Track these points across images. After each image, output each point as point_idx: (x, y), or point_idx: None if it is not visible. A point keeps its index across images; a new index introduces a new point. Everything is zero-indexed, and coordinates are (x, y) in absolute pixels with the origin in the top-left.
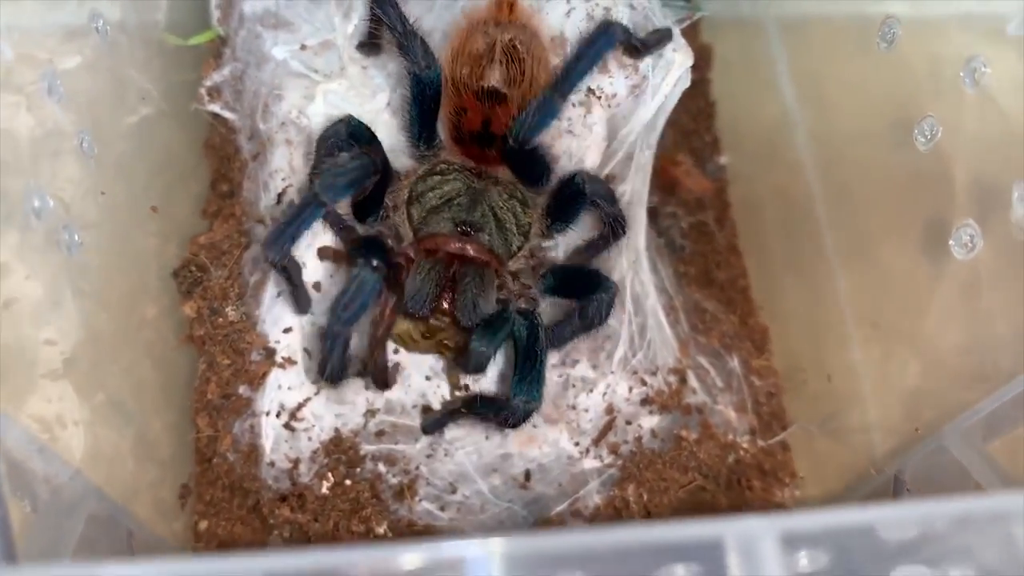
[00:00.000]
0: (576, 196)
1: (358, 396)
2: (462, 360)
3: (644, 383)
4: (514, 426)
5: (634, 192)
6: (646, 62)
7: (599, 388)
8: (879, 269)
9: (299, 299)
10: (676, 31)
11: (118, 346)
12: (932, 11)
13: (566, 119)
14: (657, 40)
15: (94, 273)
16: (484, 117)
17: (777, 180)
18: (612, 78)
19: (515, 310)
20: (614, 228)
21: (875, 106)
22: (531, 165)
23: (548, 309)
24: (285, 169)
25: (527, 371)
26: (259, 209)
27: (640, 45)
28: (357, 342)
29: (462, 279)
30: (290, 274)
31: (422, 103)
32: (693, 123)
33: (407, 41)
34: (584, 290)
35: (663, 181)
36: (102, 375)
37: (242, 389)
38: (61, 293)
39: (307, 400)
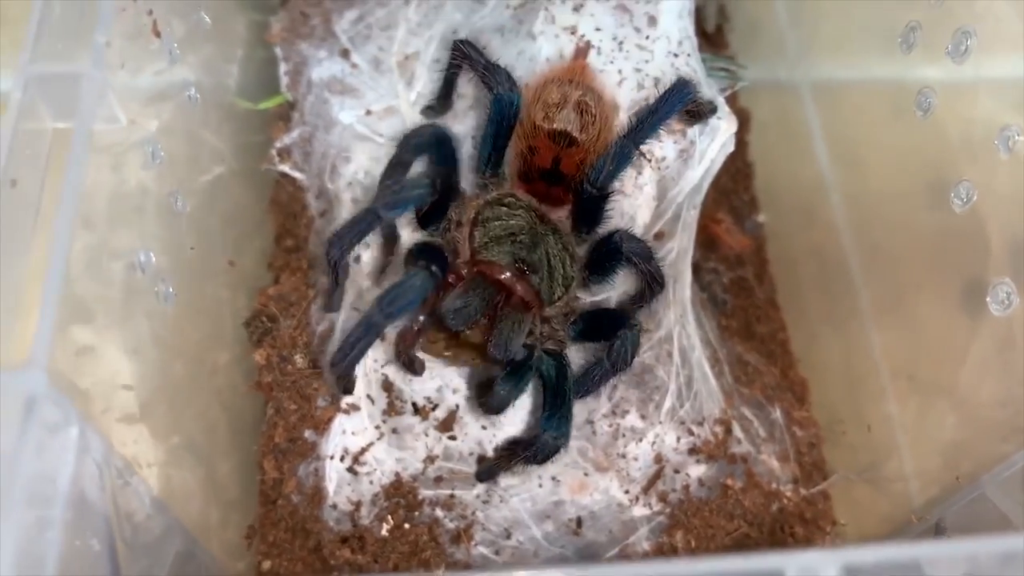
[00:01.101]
0: (613, 253)
1: (417, 442)
2: (483, 400)
3: (691, 433)
4: (542, 462)
5: (681, 249)
6: (694, 128)
7: (648, 438)
8: (914, 324)
9: (333, 298)
10: (720, 99)
11: (192, 391)
12: (965, 77)
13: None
14: (709, 110)
15: (172, 322)
16: (555, 156)
17: (813, 238)
18: (662, 143)
19: (542, 351)
20: (650, 284)
21: (910, 169)
22: (597, 210)
23: (581, 354)
24: None
25: (556, 408)
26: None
27: (697, 110)
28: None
29: (503, 312)
30: (338, 274)
31: (499, 124)
32: (732, 183)
33: (491, 72)
34: (610, 331)
35: (705, 238)
36: (177, 419)
37: (307, 434)
38: (141, 341)
39: (370, 445)
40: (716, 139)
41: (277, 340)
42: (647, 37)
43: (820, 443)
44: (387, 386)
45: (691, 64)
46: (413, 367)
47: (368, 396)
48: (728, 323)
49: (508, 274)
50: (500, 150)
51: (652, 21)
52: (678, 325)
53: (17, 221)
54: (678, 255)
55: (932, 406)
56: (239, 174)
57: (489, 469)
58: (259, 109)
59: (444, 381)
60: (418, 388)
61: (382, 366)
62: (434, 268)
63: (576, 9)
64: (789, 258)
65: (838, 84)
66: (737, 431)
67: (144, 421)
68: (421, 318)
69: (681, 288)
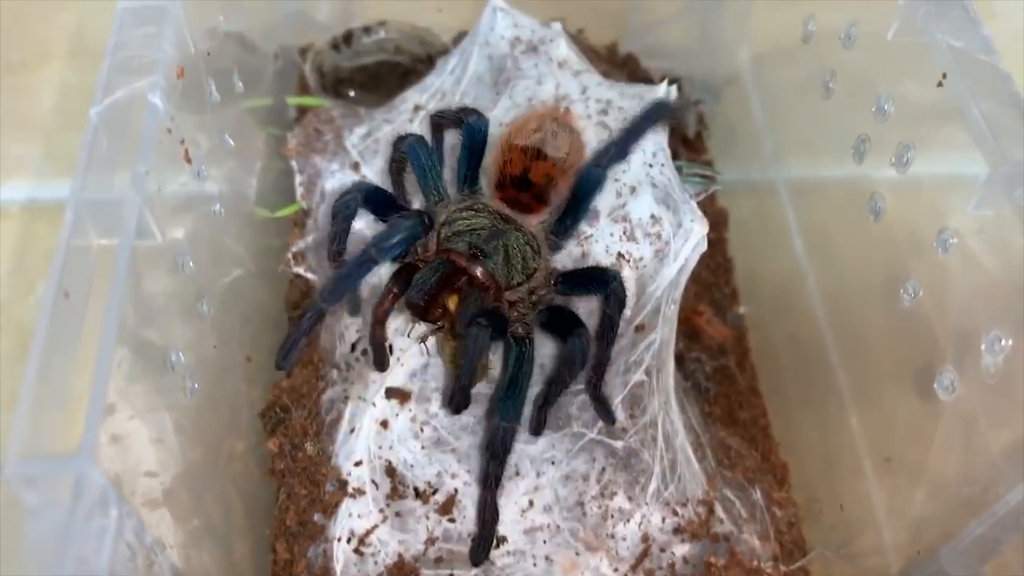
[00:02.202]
0: (599, 284)
1: (419, 524)
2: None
3: (676, 514)
4: (503, 453)
5: (663, 340)
6: (667, 230)
7: (635, 518)
8: (886, 408)
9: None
10: (693, 203)
11: (210, 477)
12: (908, 184)
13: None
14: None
15: (194, 413)
16: (525, 165)
17: (791, 328)
18: (639, 244)
19: (510, 335)
20: (605, 332)
21: (869, 265)
22: (587, 197)
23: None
24: (359, 322)
25: (508, 393)
26: (335, 357)
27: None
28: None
29: (466, 291)
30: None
31: (471, 148)
32: (713, 277)
33: (461, 113)
34: (565, 331)
35: (688, 329)
36: (196, 503)
37: (317, 517)
38: (165, 431)
39: (374, 527)
40: (689, 240)
41: (289, 429)
42: None
43: (799, 522)
44: (390, 471)
45: (664, 172)
46: (381, 356)
47: (372, 481)
48: (711, 409)
49: (463, 257)
50: (474, 169)
51: None
52: (662, 411)
53: (68, 326)
54: (660, 345)
55: (904, 484)
56: (257, 276)
57: (477, 547)
58: (276, 217)
59: (443, 467)
60: (419, 473)
61: (385, 452)
62: (426, 220)
63: None
64: (769, 347)
65: (810, 183)
66: (720, 512)
67: (166, 505)
68: (394, 290)
69: (664, 377)
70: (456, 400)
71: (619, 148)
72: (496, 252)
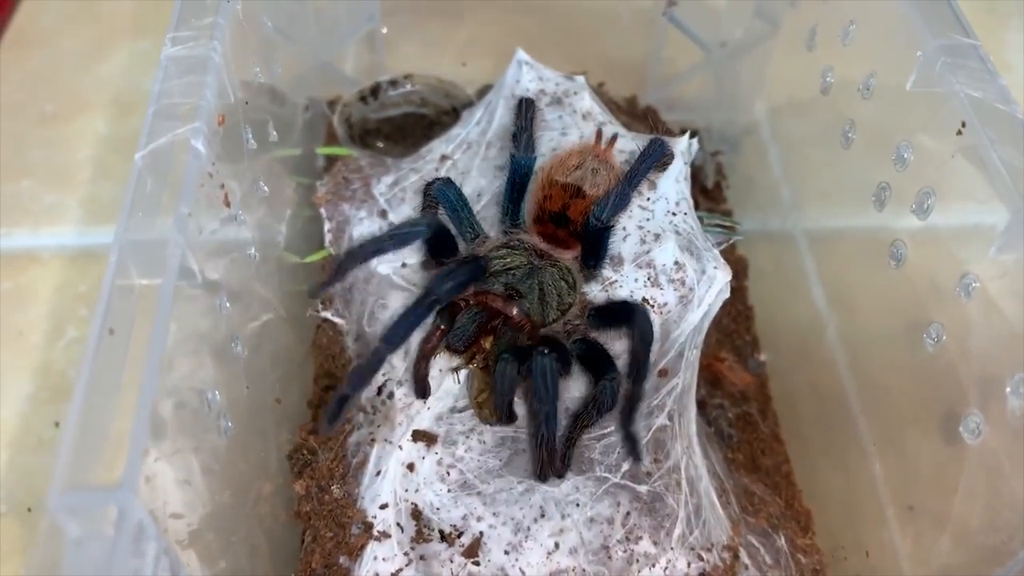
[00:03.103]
0: (624, 318)
1: (443, 568)
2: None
3: (701, 559)
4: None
5: (685, 385)
6: (691, 276)
7: (661, 563)
8: (909, 454)
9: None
10: (716, 251)
11: (237, 519)
12: (929, 231)
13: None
14: (670, 160)
15: (224, 454)
16: (564, 203)
17: (812, 375)
18: (663, 290)
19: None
20: (631, 368)
21: (891, 311)
22: (600, 244)
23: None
24: (385, 365)
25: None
26: (361, 400)
27: (665, 162)
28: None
29: (503, 330)
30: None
31: (514, 181)
32: (734, 324)
33: (522, 131)
34: (597, 370)
35: (710, 376)
36: (224, 545)
37: (342, 559)
38: (191, 472)
39: (399, 571)
40: (713, 286)
41: (316, 472)
42: (648, 199)
43: (824, 569)
44: (416, 515)
45: (688, 221)
46: (423, 388)
47: (398, 524)
48: (734, 455)
49: (498, 300)
50: (516, 203)
51: (652, 185)
52: (685, 456)
53: (112, 363)
54: (683, 390)
55: (928, 532)
56: (286, 320)
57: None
58: (305, 262)
59: (468, 510)
60: (445, 516)
61: (411, 495)
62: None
63: None
64: (790, 394)
65: (829, 232)
66: (745, 558)
67: (193, 547)
68: (442, 326)
69: (687, 422)
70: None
71: (619, 196)
72: (531, 291)
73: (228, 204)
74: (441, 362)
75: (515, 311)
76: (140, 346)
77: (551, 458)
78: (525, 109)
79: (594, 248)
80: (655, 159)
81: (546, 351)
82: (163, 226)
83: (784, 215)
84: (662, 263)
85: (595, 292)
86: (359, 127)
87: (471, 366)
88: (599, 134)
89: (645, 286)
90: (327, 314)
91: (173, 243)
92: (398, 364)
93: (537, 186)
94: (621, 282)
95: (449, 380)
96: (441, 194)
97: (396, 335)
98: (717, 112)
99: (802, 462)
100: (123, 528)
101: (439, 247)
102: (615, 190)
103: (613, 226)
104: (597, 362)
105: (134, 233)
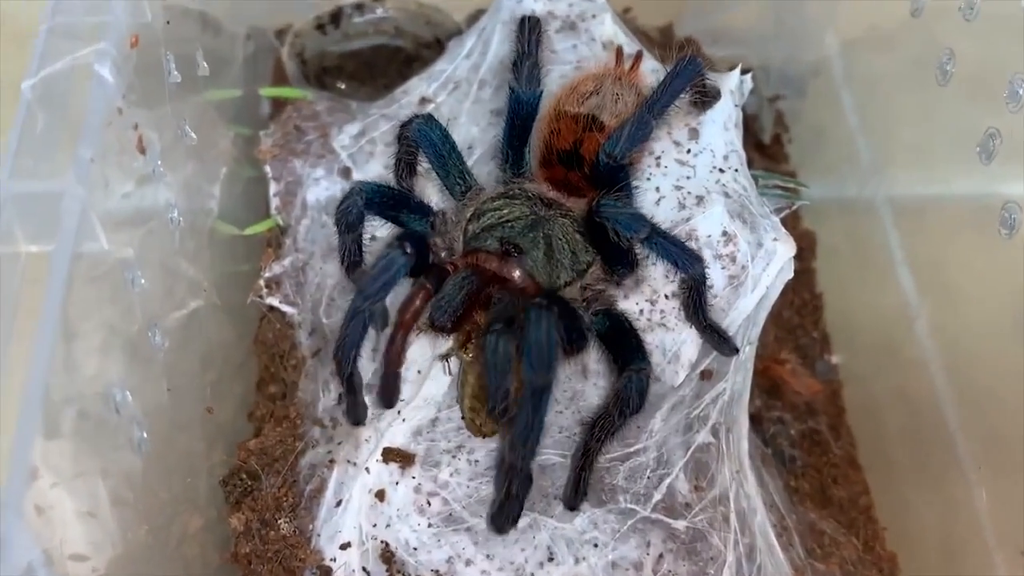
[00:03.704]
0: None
1: None
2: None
3: None
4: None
5: (734, 392)
6: (743, 251)
7: None
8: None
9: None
10: (775, 220)
11: (156, 562)
12: None
13: (659, 311)
14: (714, 95)
15: (138, 479)
16: (576, 138)
17: (897, 382)
18: (708, 268)
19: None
20: (691, 296)
21: (1000, 297)
22: (613, 184)
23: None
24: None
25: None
26: (317, 411)
27: (704, 91)
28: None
29: (499, 302)
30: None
31: (515, 122)
32: (798, 318)
33: (524, 58)
34: (621, 357)
35: (767, 383)
36: None
37: None
38: (97, 502)
39: None
40: (772, 264)
41: (258, 502)
42: (688, 151)
43: None
44: (387, 557)
45: (739, 180)
46: (391, 386)
47: (364, 569)
48: (798, 484)
49: (493, 259)
50: (518, 149)
51: (693, 133)
52: (735, 483)
53: None
54: (731, 399)
55: None
56: (221, 309)
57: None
58: (245, 235)
59: (455, 551)
60: (424, 559)
61: (380, 532)
62: (409, 248)
63: None
64: (870, 406)
65: (919, 199)
66: None
67: None
68: (427, 285)
69: (736, 439)
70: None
71: (638, 125)
72: (535, 246)
73: (143, 151)
74: (420, 359)
75: (516, 272)
76: (26, 335)
77: (517, 491)
78: (529, 29)
79: (608, 190)
80: (687, 79)
81: (545, 303)
82: (58, 176)
83: (862, 178)
84: (706, 233)
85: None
86: (315, 63)
87: (463, 355)
88: (620, 52)
89: None
90: (274, 301)
91: (71, 198)
92: (365, 364)
93: (543, 122)
94: (653, 258)
95: (430, 385)
96: (422, 135)
97: (346, 357)
98: (776, 47)
99: (885, 493)
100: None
101: (388, 208)
102: (632, 118)
103: (629, 164)
104: (622, 345)
105: (20, 184)
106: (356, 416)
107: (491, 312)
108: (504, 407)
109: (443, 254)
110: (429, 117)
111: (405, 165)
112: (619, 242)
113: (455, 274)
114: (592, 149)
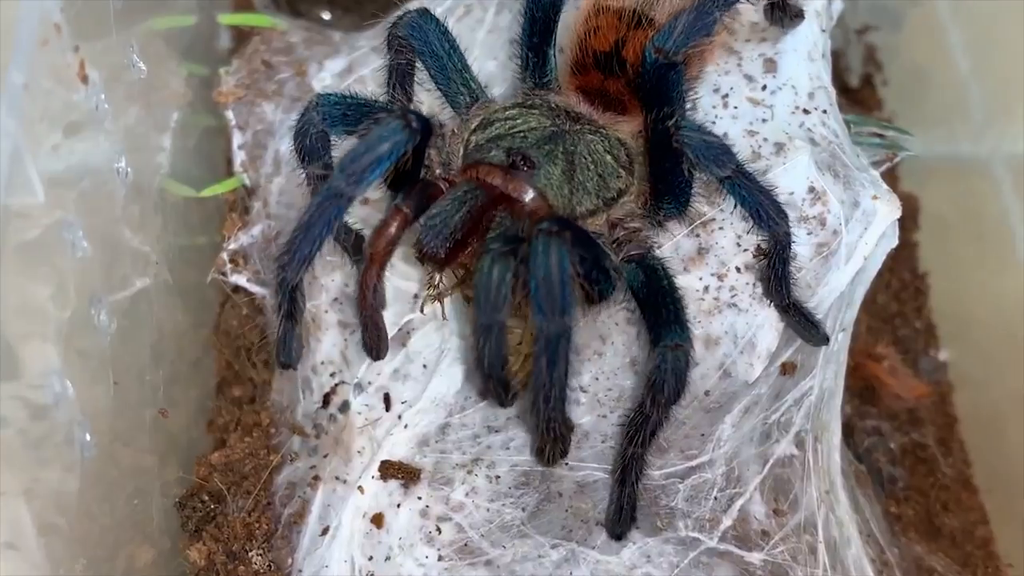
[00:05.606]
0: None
1: None
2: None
3: None
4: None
5: (824, 391)
6: (835, 211)
7: None
8: None
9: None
10: (875, 173)
11: None
12: None
13: (728, 288)
14: (794, 14)
15: (73, 500)
16: (618, 36)
17: (1022, 384)
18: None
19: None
20: (774, 255)
21: None
22: (664, 91)
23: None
24: (336, 360)
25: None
26: (295, 416)
27: (785, 5)
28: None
29: (506, 224)
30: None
31: (534, 15)
32: (897, 304)
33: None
34: (655, 326)
35: (860, 383)
36: None
37: None
38: (21, 530)
39: None
40: (871, 228)
41: (223, 530)
42: (763, 88)
43: None
44: None
45: (829, 125)
46: (376, 334)
47: None
48: (901, 511)
49: (496, 172)
50: (540, 51)
51: (770, 65)
52: (824, 507)
53: None
54: (820, 400)
55: None
56: (174, 290)
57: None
58: (202, 198)
59: None
60: None
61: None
62: (414, 122)
63: None
64: (987, 414)
65: None
66: None
67: None
68: (404, 210)
69: (827, 451)
70: (490, 389)
71: (698, 14)
72: (551, 161)
73: (85, 80)
74: (424, 350)
75: (526, 190)
76: None
77: (557, 435)
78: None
79: (655, 97)
80: None
81: (556, 228)
82: None
83: (975, 133)
84: (788, 190)
85: (679, 238)
86: None
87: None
88: None
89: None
90: (239, 279)
91: (2, 134)
92: (353, 358)
93: (579, 20)
94: (721, 222)
95: (438, 383)
96: (415, 32)
97: (292, 259)
98: None
99: (1008, 522)
100: None
101: (354, 121)
102: (691, 7)
103: (681, 63)
104: (657, 308)
105: None
106: (287, 355)
107: (491, 232)
108: (502, 382)
109: (437, 171)
110: (424, 11)
111: (398, 73)
112: (681, 174)
113: (453, 189)
114: (637, 51)
